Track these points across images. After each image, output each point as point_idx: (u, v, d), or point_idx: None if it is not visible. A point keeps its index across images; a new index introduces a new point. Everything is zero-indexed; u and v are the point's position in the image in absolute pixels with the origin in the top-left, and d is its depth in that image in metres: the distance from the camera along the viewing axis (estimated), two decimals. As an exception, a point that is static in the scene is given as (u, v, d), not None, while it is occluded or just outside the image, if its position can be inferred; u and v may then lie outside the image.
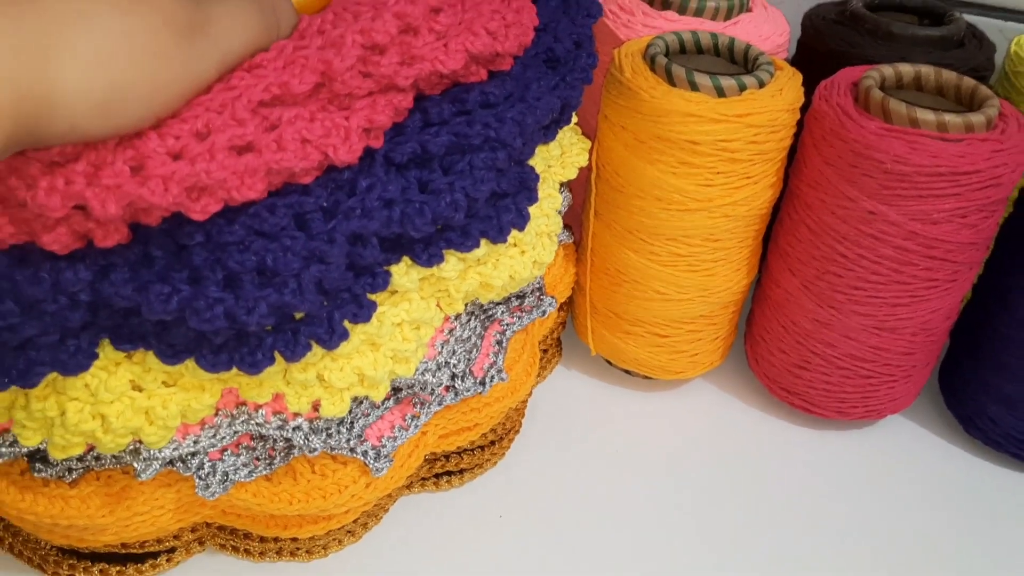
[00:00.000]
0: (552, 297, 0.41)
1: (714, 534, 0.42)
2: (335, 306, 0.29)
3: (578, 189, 0.47)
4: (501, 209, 0.32)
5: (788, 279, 0.44)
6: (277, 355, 0.28)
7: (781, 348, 0.46)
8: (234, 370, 0.28)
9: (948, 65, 0.44)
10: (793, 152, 0.43)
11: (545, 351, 0.48)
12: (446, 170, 0.30)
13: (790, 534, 0.42)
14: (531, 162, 0.36)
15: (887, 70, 0.42)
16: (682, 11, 0.49)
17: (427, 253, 0.31)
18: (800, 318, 0.44)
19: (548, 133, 0.37)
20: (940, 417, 0.48)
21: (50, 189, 0.23)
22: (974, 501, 0.44)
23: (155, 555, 0.36)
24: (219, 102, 0.25)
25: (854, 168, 0.39)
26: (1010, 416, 0.44)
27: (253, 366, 0.27)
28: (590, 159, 0.44)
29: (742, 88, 0.40)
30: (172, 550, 0.36)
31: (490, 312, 0.38)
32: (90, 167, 0.23)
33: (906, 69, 0.42)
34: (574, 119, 0.42)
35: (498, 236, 0.32)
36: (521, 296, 0.40)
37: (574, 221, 0.49)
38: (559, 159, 0.41)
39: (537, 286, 0.41)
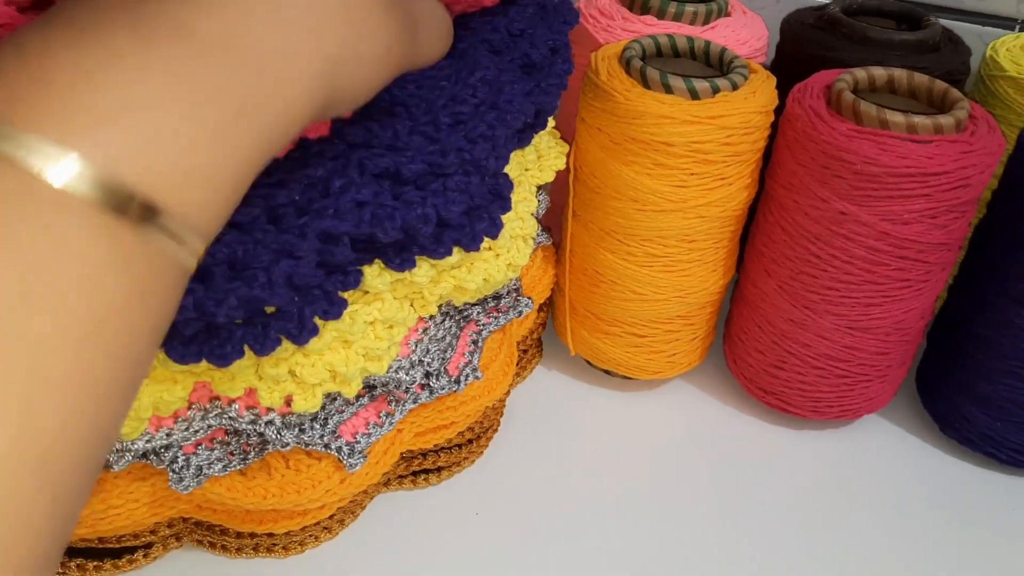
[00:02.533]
0: (529, 298, 0.42)
1: (691, 534, 0.42)
2: (306, 302, 0.29)
3: (559, 191, 0.48)
4: (474, 218, 0.32)
5: (764, 280, 0.45)
6: (247, 349, 0.29)
7: (758, 348, 0.46)
8: (204, 363, 0.28)
9: (923, 69, 0.45)
10: (769, 154, 0.44)
11: (525, 351, 0.49)
12: (420, 188, 0.30)
13: (768, 533, 0.42)
14: (506, 168, 0.36)
15: (860, 73, 0.42)
16: (661, 15, 0.49)
17: (399, 258, 0.31)
18: (776, 318, 0.45)
19: (523, 138, 0.37)
20: (917, 417, 0.49)
21: None
22: (950, 500, 0.45)
23: (132, 550, 0.36)
24: None
25: (826, 169, 0.40)
26: (984, 416, 0.44)
27: (222, 359, 0.28)
28: (568, 161, 0.44)
29: (715, 90, 0.40)
30: (149, 545, 0.37)
31: (466, 312, 0.39)
32: None
33: (879, 72, 0.43)
34: (551, 123, 0.43)
35: (471, 244, 0.32)
36: (497, 297, 0.40)
37: (554, 223, 0.49)
38: (536, 163, 0.42)
39: (514, 287, 0.41)
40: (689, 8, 0.49)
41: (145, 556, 0.37)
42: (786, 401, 0.46)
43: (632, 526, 0.42)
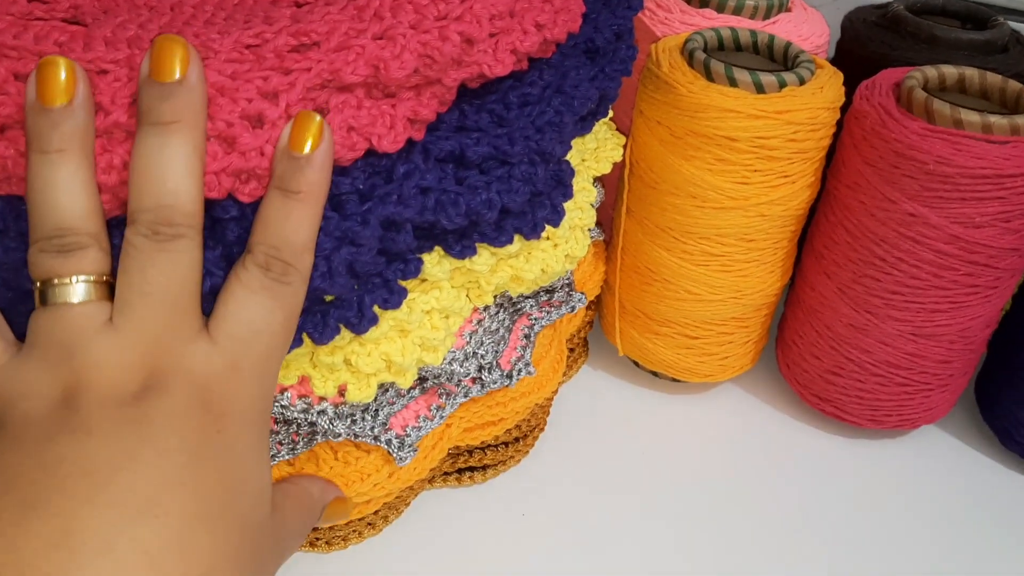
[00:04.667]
0: (582, 293, 0.41)
1: (739, 541, 0.41)
2: (366, 290, 0.28)
3: (609, 187, 0.46)
4: (536, 205, 0.31)
5: (823, 282, 0.43)
6: (305, 337, 0.28)
7: (814, 353, 0.45)
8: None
9: (992, 70, 0.43)
10: (831, 154, 0.42)
11: (572, 350, 0.47)
12: (484, 172, 0.29)
13: (818, 544, 0.41)
14: (567, 156, 0.35)
15: (930, 71, 0.41)
16: (720, 9, 0.48)
17: (460, 245, 0.30)
18: (834, 323, 0.43)
19: (585, 125, 0.36)
20: (976, 429, 0.47)
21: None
22: (1009, 516, 0.43)
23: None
24: (273, 86, 0.25)
25: (895, 169, 0.38)
26: (1049, 430, 0.43)
27: (281, 346, 0.27)
28: (624, 155, 0.43)
29: (782, 85, 0.39)
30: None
31: (519, 305, 0.37)
32: None
33: (949, 71, 0.41)
34: (609, 113, 0.41)
35: (532, 233, 0.32)
36: (551, 291, 0.39)
37: (604, 219, 0.48)
38: (593, 153, 0.40)
39: (567, 281, 0.40)
40: (750, 2, 0.48)
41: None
42: (842, 409, 0.45)
43: (678, 532, 0.41)
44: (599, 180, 0.43)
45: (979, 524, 0.42)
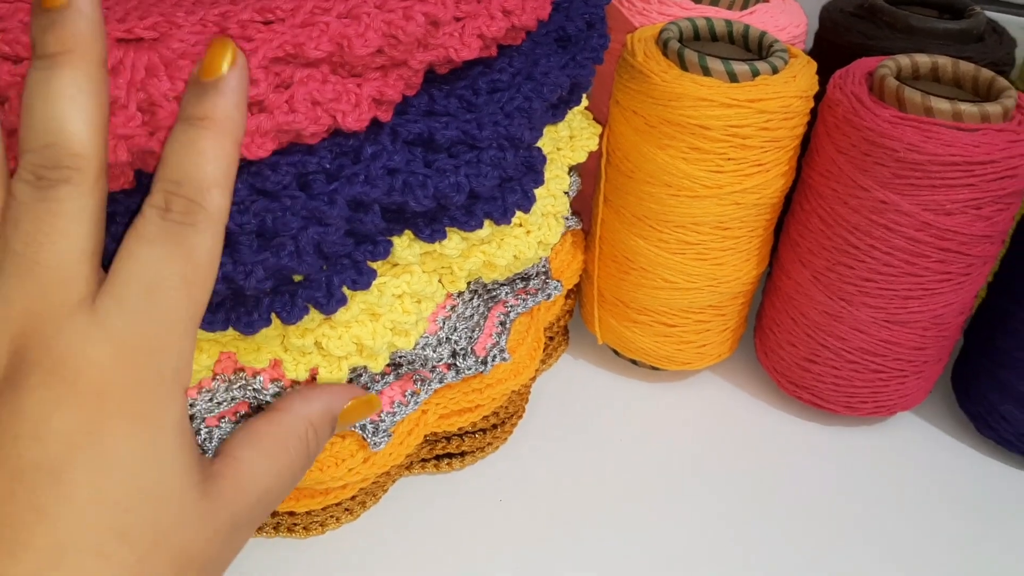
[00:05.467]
0: (558, 281, 0.41)
1: (717, 527, 0.41)
2: (334, 271, 0.28)
3: (588, 176, 0.47)
4: (506, 190, 0.32)
5: (798, 270, 0.44)
6: (274, 318, 0.28)
7: (790, 341, 0.45)
8: (231, 332, 0.28)
9: (967, 59, 0.44)
10: (807, 142, 0.43)
11: (551, 338, 0.48)
12: (452, 156, 0.30)
13: (795, 529, 0.41)
14: (539, 143, 0.35)
15: (903, 60, 0.41)
16: (698, 0, 0.48)
17: (430, 228, 0.31)
18: (810, 310, 0.43)
19: (557, 113, 0.36)
20: (952, 415, 0.48)
21: None
22: (984, 501, 0.43)
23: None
24: None
25: (867, 157, 0.39)
26: (1022, 416, 0.43)
27: (249, 326, 0.27)
28: (600, 144, 0.43)
29: (755, 73, 0.39)
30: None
31: (494, 292, 0.38)
32: None
33: (923, 60, 0.42)
34: (584, 102, 0.42)
35: (502, 218, 0.32)
36: (526, 278, 0.39)
37: (584, 208, 0.49)
38: (569, 142, 0.41)
39: (543, 269, 0.40)
40: (727, -7, 0.48)
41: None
42: (818, 396, 0.45)
43: (656, 518, 0.41)
44: (575, 169, 0.43)
45: (955, 510, 0.43)
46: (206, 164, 0.22)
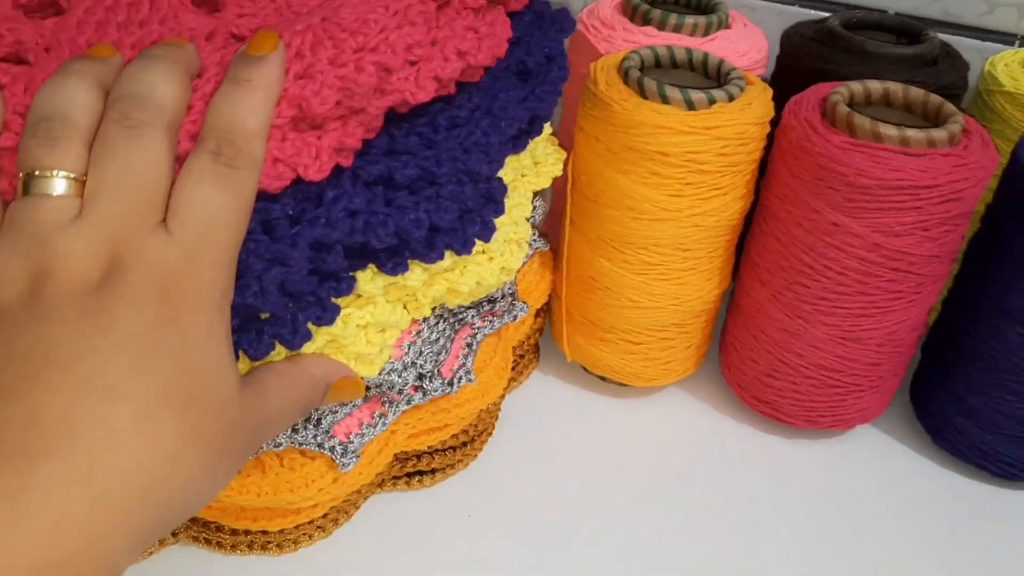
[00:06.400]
0: (524, 303, 0.42)
1: (683, 541, 0.42)
2: (299, 308, 0.30)
3: (559, 199, 0.48)
4: (467, 222, 0.33)
5: (758, 289, 0.45)
6: (241, 353, 0.29)
7: (752, 357, 0.47)
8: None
9: (920, 83, 0.45)
10: (765, 166, 0.44)
11: (522, 356, 0.49)
12: (413, 192, 0.31)
13: (759, 542, 0.43)
14: (500, 173, 0.37)
15: (856, 86, 0.43)
16: (662, 27, 0.50)
17: (392, 262, 0.32)
18: (769, 327, 0.45)
19: (518, 144, 0.38)
20: (910, 428, 0.49)
21: None
22: (941, 511, 0.45)
23: (129, 545, 0.37)
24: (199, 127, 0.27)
25: (819, 181, 0.40)
26: (976, 428, 0.45)
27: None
28: (566, 169, 0.45)
29: (711, 101, 0.41)
30: (146, 540, 0.37)
31: (460, 316, 0.39)
32: None
33: (875, 86, 0.43)
34: (548, 130, 0.43)
35: (463, 248, 0.33)
36: (493, 300, 0.41)
37: (553, 230, 0.50)
38: (533, 169, 0.42)
39: (510, 291, 0.42)
40: (689, 20, 0.49)
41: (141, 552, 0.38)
42: (779, 410, 0.47)
43: (624, 531, 0.42)
44: (543, 195, 0.44)
45: (913, 520, 0.44)
46: (251, 117, 0.27)
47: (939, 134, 0.39)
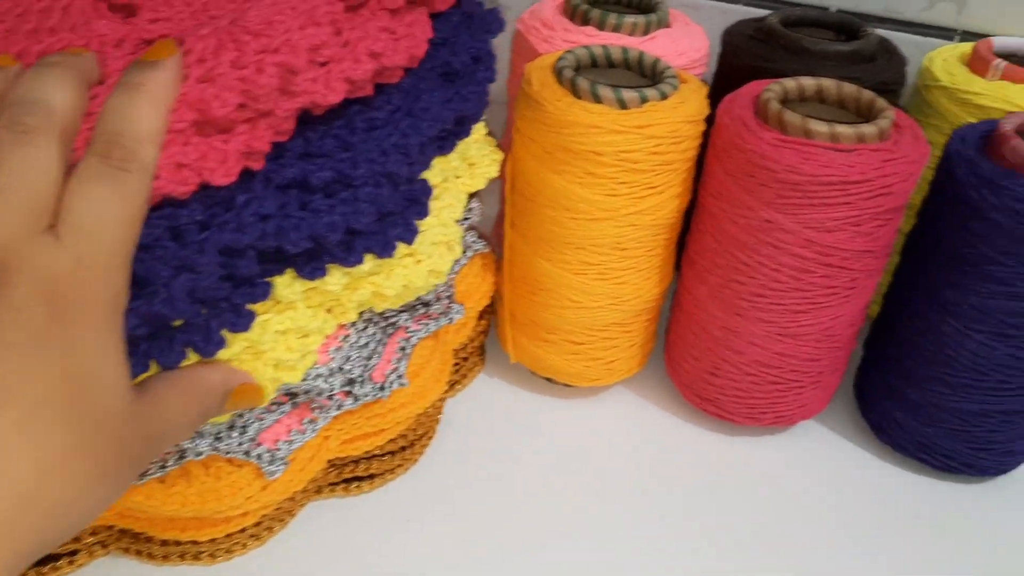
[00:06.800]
0: (461, 305, 0.42)
1: (630, 540, 0.42)
2: (212, 315, 0.29)
3: (502, 201, 0.48)
4: (388, 225, 0.33)
5: (697, 287, 0.45)
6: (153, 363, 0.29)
7: (693, 355, 0.47)
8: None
9: (857, 79, 0.45)
10: (702, 164, 0.44)
11: (465, 359, 0.49)
12: (329, 195, 0.30)
13: (706, 538, 0.43)
14: (426, 174, 0.36)
15: (790, 83, 0.43)
16: (601, 26, 0.50)
17: (310, 267, 0.32)
18: (709, 325, 0.45)
19: (444, 146, 0.37)
20: (854, 423, 0.49)
21: None
22: (884, 505, 0.45)
23: (56, 557, 0.37)
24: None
25: (751, 178, 0.40)
26: (915, 422, 0.45)
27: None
28: (503, 171, 0.45)
29: (644, 100, 0.41)
30: (74, 552, 0.37)
31: (392, 319, 0.39)
32: None
33: (808, 82, 0.43)
34: (483, 131, 0.43)
35: (384, 251, 0.33)
36: (427, 303, 0.40)
37: (497, 232, 0.50)
38: (468, 170, 0.42)
39: (446, 294, 0.42)
40: (629, 19, 0.49)
41: (70, 563, 0.37)
42: (722, 408, 0.47)
43: (569, 532, 0.42)
44: (476, 196, 0.44)
45: (856, 514, 0.44)
46: (142, 121, 0.26)
47: (869, 129, 0.39)
